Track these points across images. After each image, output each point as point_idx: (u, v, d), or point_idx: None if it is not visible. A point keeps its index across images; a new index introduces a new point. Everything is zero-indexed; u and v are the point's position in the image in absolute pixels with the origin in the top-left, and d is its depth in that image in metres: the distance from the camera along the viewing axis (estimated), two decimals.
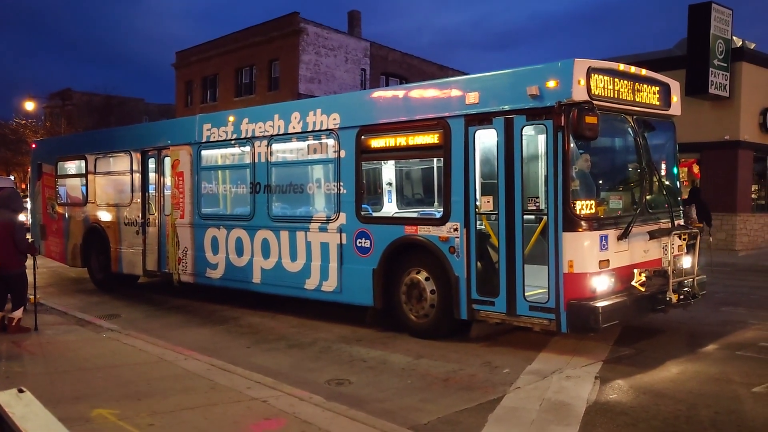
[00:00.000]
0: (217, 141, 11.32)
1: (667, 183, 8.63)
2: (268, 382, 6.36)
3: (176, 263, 11.97)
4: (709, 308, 10.30)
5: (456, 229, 8.08)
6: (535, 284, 7.62)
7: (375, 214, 9.63)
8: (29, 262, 9.14)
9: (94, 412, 5.49)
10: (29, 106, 41.76)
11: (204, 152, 11.64)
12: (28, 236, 10.46)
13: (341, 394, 6.33)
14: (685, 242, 8.22)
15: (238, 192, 11.16)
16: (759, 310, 10.65)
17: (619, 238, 7.44)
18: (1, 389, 3.06)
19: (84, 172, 14.25)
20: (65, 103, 49.34)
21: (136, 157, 12.85)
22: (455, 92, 8.20)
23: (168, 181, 12.30)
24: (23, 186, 45.74)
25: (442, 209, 8.40)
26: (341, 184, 9.34)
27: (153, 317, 10.80)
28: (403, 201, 10.61)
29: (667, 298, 7.63)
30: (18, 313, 8.87)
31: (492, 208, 7.87)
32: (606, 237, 7.33)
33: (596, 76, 7.38)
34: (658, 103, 8.45)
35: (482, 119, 7.88)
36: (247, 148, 10.78)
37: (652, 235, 7.83)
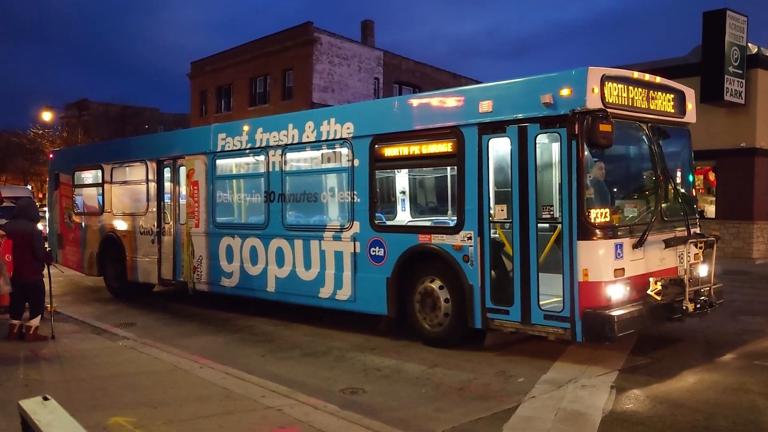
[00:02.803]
0: (232, 150, 11.39)
1: (682, 191, 8.56)
2: (282, 391, 6.37)
3: (191, 272, 12.04)
4: (726, 317, 10.20)
5: (470, 238, 8.07)
6: (550, 293, 7.58)
7: (389, 223, 9.65)
8: (45, 271, 9.24)
9: (111, 420, 5.53)
10: (46, 116, 42.24)
11: (219, 161, 11.72)
12: (46, 245, 10.55)
13: (356, 402, 6.33)
14: (701, 250, 8.16)
15: (253, 201, 11.21)
16: None
17: (635, 246, 7.40)
18: (20, 397, 3.10)
19: (100, 181, 14.39)
20: (82, 113, 49.95)
21: (152, 166, 12.97)
22: (469, 101, 8.20)
23: (183, 190, 12.38)
24: (40, 195, 46.26)
25: (455, 218, 8.40)
26: (355, 192, 9.36)
27: (168, 326, 10.86)
28: (416, 209, 10.61)
29: (684, 307, 7.57)
30: (35, 322, 8.95)
31: (506, 217, 7.85)
32: (621, 245, 7.29)
33: (610, 84, 7.36)
34: (672, 110, 8.41)
35: (496, 127, 7.88)
36: (262, 158, 10.84)
37: (668, 244, 7.78)
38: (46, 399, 2.88)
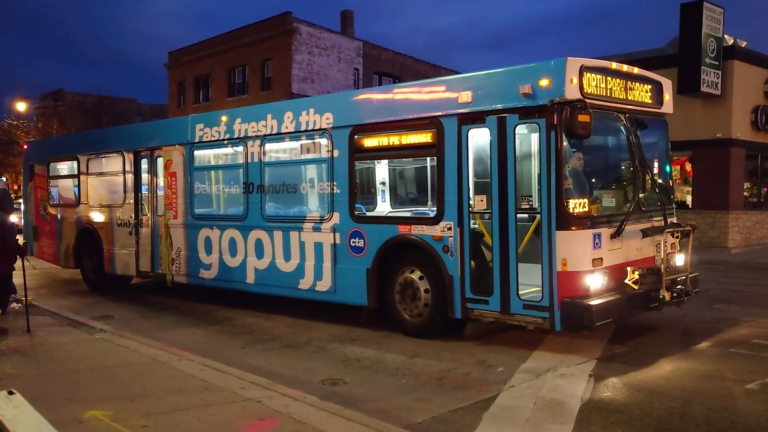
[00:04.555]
0: (210, 141, 11.28)
1: (659, 181, 8.65)
2: (262, 383, 6.34)
3: (169, 264, 11.93)
4: (702, 306, 10.33)
5: (449, 228, 8.08)
6: (529, 283, 7.62)
7: (368, 214, 9.62)
8: (18, 264, 9.08)
9: (87, 413, 5.47)
10: (21, 106, 41.59)
11: (197, 152, 11.60)
12: (20, 237, 10.38)
13: (336, 393, 6.32)
14: (678, 240, 8.25)
15: (231, 192, 11.13)
16: (751, 307, 10.70)
17: (612, 236, 7.45)
18: None
19: (76, 172, 14.19)
20: (57, 103, 49.12)
21: (129, 157, 12.81)
22: (448, 91, 8.19)
23: (161, 181, 12.26)
24: (15, 187, 45.58)
25: (435, 208, 8.40)
26: (334, 183, 9.32)
27: (146, 318, 10.76)
28: (396, 200, 10.60)
29: (661, 296, 7.65)
30: None
31: (485, 207, 7.87)
32: (599, 235, 7.34)
33: (589, 74, 7.39)
34: (650, 101, 8.47)
35: (475, 118, 7.88)
36: (240, 148, 10.75)
37: (645, 233, 7.85)
38: (11, 393, 2.81)
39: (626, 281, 7.53)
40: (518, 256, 7.53)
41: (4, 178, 43.65)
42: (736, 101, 20.22)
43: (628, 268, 7.57)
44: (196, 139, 11.48)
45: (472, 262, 8.01)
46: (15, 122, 45.40)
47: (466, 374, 6.96)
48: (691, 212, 20.06)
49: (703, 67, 19.30)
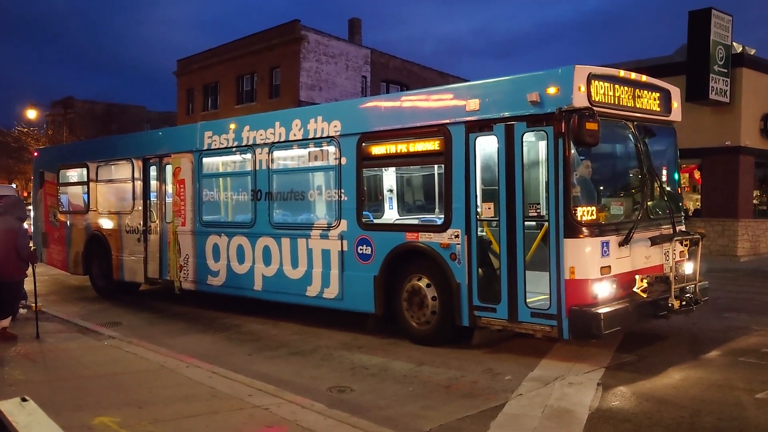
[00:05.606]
0: (219, 148, 11.33)
1: (668, 189, 8.62)
2: (269, 390, 6.35)
3: (177, 270, 11.97)
4: (712, 314, 10.27)
5: (457, 236, 8.08)
6: (537, 291, 7.60)
7: (376, 221, 9.64)
8: (29, 270, 9.14)
9: (96, 420, 5.49)
10: (31, 114, 41.84)
11: (205, 160, 11.65)
12: (31, 244, 10.45)
13: (343, 401, 6.32)
14: (686, 248, 8.21)
15: (240, 199, 11.16)
16: (761, 316, 10.62)
17: (621, 244, 7.43)
18: (3, 397, 3.06)
19: (86, 180, 14.28)
20: (67, 111, 49.45)
21: (138, 164, 12.88)
22: (456, 99, 8.21)
23: (169, 188, 12.32)
24: (25, 194, 45.84)
25: (443, 216, 8.40)
26: (342, 191, 9.34)
27: (154, 324, 10.80)
28: (404, 208, 10.61)
29: (669, 305, 7.62)
30: (5, 322, 8.85)
31: (493, 215, 7.87)
32: (607, 243, 7.32)
33: (596, 82, 7.39)
34: (658, 109, 8.46)
35: (483, 126, 7.89)
36: (248, 156, 10.79)
37: (654, 241, 7.82)
38: (24, 400, 2.83)
39: (635, 289, 7.51)
40: (526, 263, 7.51)
41: (14, 185, 43.92)
42: (745, 109, 20.16)
43: (637, 276, 7.55)
44: (205, 147, 11.54)
45: (480, 270, 8.00)
46: (25, 129, 45.68)
47: (474, 382, 6.94)
48: (700, 220, 19.98)
49: (711, 75, 19.27)
